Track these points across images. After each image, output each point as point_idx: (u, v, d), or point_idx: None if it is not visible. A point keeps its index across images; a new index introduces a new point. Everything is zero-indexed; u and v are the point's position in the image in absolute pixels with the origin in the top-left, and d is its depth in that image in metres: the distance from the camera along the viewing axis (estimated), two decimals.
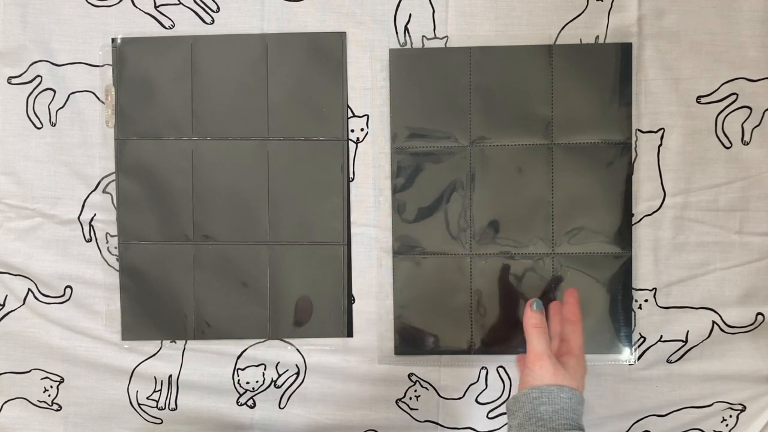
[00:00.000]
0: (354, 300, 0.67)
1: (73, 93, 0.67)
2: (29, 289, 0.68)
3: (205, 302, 0.67)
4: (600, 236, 0.64)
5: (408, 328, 0.66)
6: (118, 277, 0.67)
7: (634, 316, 0.66)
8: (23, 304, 0.68)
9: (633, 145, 0.64)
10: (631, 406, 0.67)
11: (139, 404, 0.69)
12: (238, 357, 0.68)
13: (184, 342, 0.68)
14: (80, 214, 0.67)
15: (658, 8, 0.64)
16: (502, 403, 0.67)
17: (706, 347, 0.66)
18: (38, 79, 0.67)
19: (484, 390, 0.67)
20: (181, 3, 0.66)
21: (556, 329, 0.62)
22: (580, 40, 0.64)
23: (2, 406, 0.70)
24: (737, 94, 0.64)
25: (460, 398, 0.67)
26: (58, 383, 0.69)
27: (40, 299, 0.68)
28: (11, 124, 0.67)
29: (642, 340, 0.66)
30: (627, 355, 0.65)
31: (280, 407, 0.68)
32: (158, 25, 0.66)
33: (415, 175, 0.65)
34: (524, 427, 0.53)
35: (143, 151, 0.66)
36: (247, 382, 0.68)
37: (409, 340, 0.66)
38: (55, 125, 0.67)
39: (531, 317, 0.60)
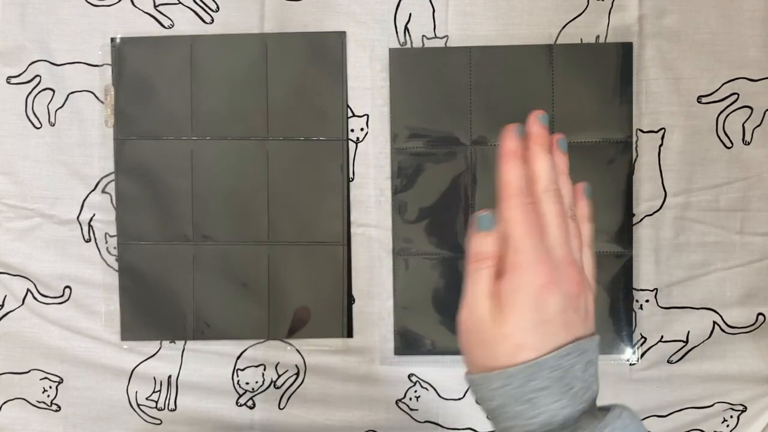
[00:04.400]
0: (354, 300, 0.67)
1: (72, 93, 0.66)
2: (28, 290, 0.68)
3: (204, 302, 0.67)
4: (601, 235, 0.64)
5: (408, 328, 0.66)
6: (118, 277, 0.67)
7: (635, 316, 0.65)
8: (22, 304, 0.68)
9: (634, 145, 0.64)
10: (632, 406, 0.66)
11: (138, 405, 0.68)
12: (238, 357, 0.68)
13: (183, 342, 0.68)
14: (79, 214, 0.67)
15: (658, 8, 0.63)
16: None
17: (706, 348, 0.66)
18: (37, 79, 0.66)
19: None
20: (180, 2, 0.66)
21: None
22: (581, 39, 0.64)
23: (1, 407, 0.69)
24: (738, 94, 0.64)
25: (460, 399, 0.67)
26: (57, 384, 0.69)
27: (39, 299, 0.68)
28: (10, 124, 0.67)
29: (643, 340, 0.66)
30: (629, 354, 0.65)
31: (279, 408, 0.68)
32: (157, 24, 0.66)
33: (416, 175, 0.65)
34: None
35: (142, 151, 0.66)
36: (247, 383, 0.68)
37: (410, 341, 0.66)
38: (54, 125, 0.67)
39: (471, 244, 0.38)
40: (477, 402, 0.39)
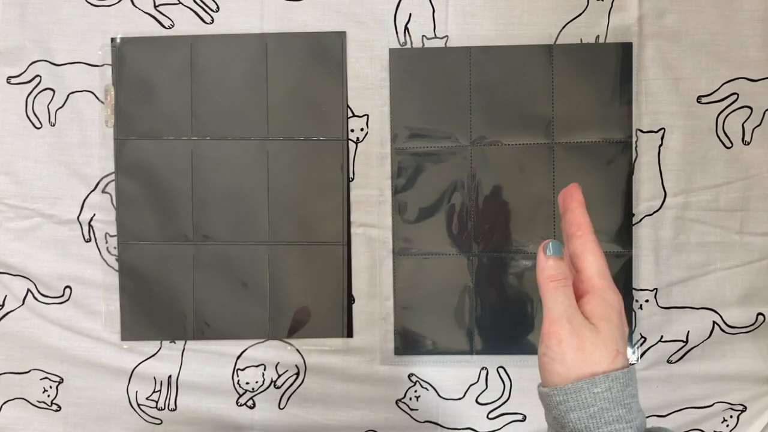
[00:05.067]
0: (354, 300, 0.67)
1: (73, 93, 0.66)
2: (28, 290, 0.68)
3: (204, 302, 0.67)
4: (601, 235, 0.64)
5: (408, 328, 0.66)
6: (118, 277, 0.67)
7: (635, 316, 0.65)
8: (22, 304, 0.68)
9: (633, 145, 0.64)
10: None
11: (138, 404, 0.68)
12: (238, 357, 0.68)
13: (183, 342, 0.68)
14: (79, 214, 0.67)
15: (658, 8, 0.63)
16: (503, 404, 0.67)
17: (706, 347, 0.66)
18: (37, 79, 0.66)
19: (484, 390, 0.67)
20: (180, 2, 0.66)
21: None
22: (581, 39, 0.64)
23: (2, 407, 0.69)
24: (738, 94, 0.64)
25: (460, 399, 0.67)
26: (57, 383, 0.69)
27: (39, 299, 0.68)
28: (10, 124, 0.67)
29: (643, 340, 0.66)
30: (628, 354, 0.65)
31: (279, 408, 0.68)
32: (158, 24, 0.66)
33: (416, 175, 0.65)
34: None
35: (143, 151, 0.66)
36: (247, 383, 0.68)
37: (410, 341, 0.66)
38: (54, 125, 0.67)
39: (546, 267, 0.42)
40: (560, 414, 0.39)
